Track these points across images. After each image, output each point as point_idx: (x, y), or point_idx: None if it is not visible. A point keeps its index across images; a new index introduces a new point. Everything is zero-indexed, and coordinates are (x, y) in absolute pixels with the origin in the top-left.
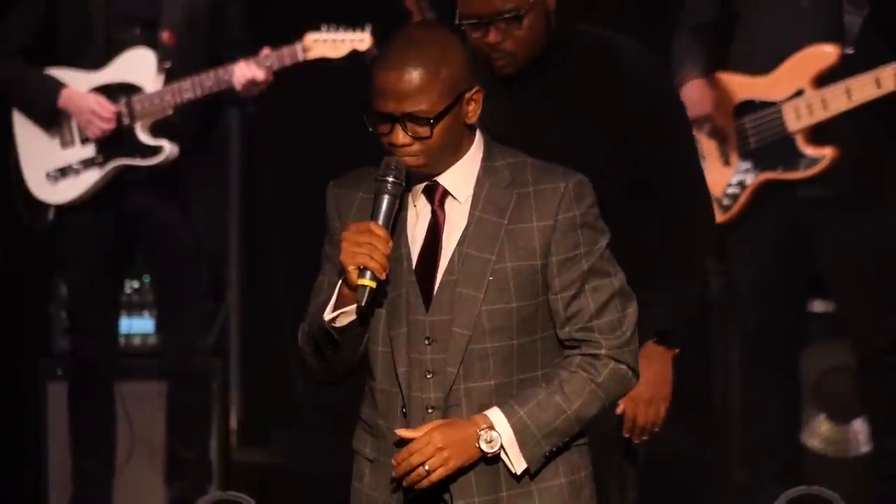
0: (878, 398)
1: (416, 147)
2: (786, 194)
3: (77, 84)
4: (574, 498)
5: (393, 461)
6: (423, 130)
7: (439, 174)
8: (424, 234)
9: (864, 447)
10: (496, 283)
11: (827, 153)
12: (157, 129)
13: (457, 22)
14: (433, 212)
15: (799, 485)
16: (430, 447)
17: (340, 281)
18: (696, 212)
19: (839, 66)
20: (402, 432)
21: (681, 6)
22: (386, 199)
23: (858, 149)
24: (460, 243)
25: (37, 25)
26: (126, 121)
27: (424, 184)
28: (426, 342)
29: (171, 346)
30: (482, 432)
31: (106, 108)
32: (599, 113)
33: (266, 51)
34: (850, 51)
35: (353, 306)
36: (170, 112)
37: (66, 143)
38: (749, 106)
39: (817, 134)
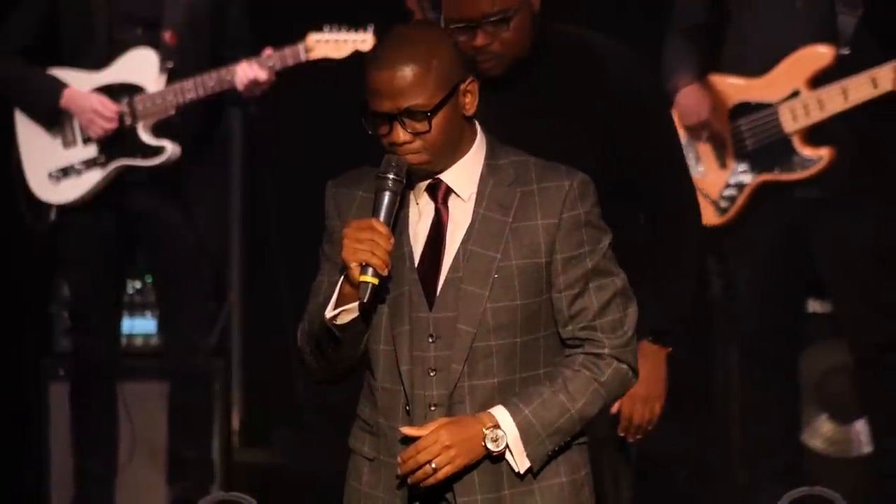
0: (876, 398)
1: (417, 143)
2: (783, 196)
3: (79, 84)
4: (574, 497)
5: (398, 459)
6: (422, 125)
7: (442, 171)
8: (427, 232)
9: (867, 447)
10: (501, 280)
11: (823, 154)
12: (159, 130)
13: (443, 26)
14: (436, 209)
15: (800, 485)
16: (437, 445)
17: (342, 278)
18: (683, 209)
19: (834, 67)
20: (408, 430)
21: (671, 7)
22: (387, 196)
23: (854, 149)
24: (465, 241)
25: (38, 25)
26: (128, 121)
27: (427, 182)
28: (430, 339)
29: (172, 347)
30: (488, 431)
31: (108, 108)
32: (584, 112)
33: (268, 51)
34: (845, 51)
35: (355, 304)
36: (172, 112)
37: (68, 144)
38: (745, 108)
39: (814, 135)
